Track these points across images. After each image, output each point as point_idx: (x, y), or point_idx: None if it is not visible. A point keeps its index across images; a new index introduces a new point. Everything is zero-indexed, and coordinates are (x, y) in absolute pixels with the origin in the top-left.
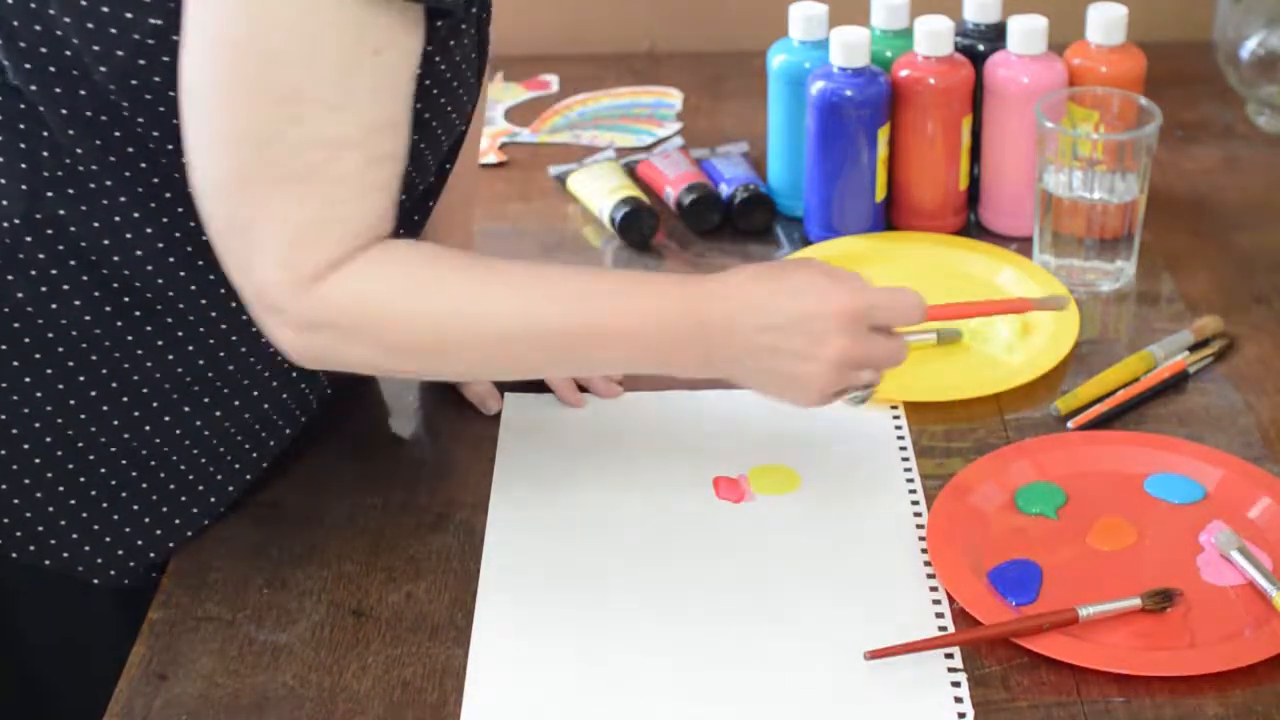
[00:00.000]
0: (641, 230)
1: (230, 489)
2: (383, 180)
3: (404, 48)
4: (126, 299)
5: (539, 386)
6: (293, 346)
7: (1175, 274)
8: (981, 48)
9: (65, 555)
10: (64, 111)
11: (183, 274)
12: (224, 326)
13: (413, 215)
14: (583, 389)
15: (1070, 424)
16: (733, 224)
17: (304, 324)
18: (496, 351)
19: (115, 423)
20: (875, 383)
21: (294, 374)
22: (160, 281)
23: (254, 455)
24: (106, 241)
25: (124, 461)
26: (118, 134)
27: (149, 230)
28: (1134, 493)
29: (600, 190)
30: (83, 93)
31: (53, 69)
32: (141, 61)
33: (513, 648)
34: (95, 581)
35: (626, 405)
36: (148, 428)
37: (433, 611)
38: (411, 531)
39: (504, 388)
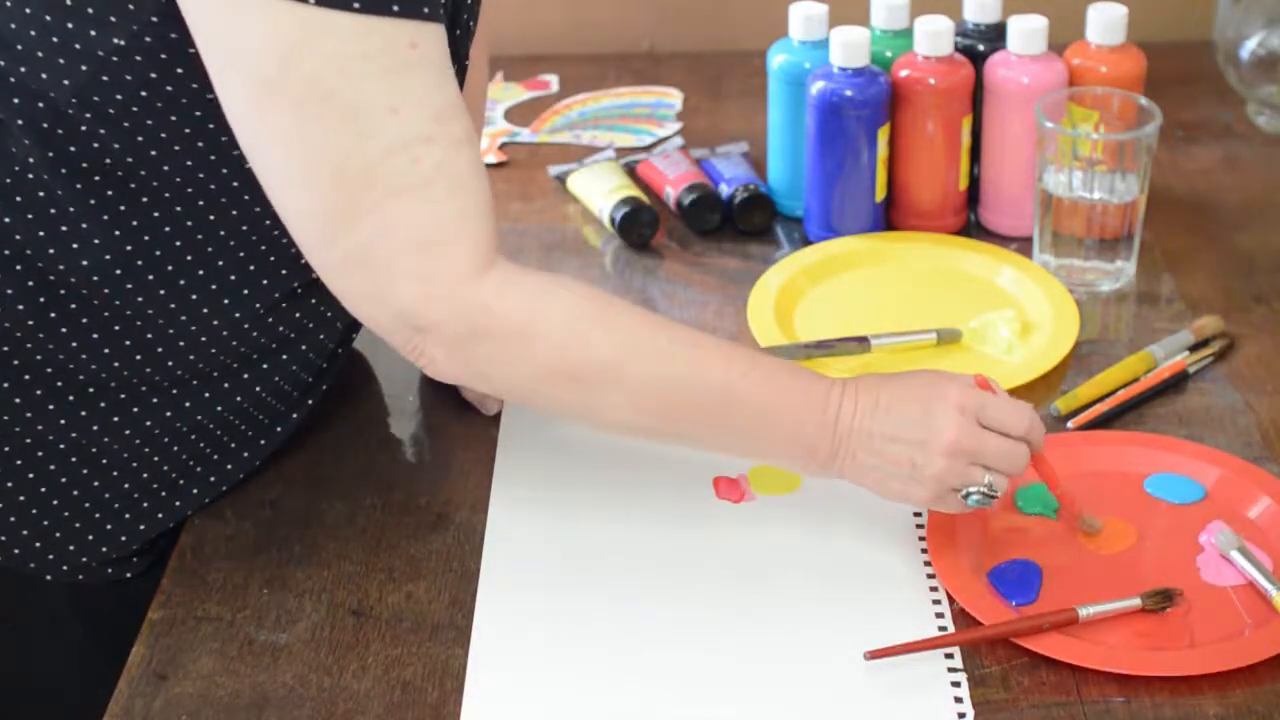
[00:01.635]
0: (641, 230)
1: (195, 491)
2: (471, 165)
3: (434, 34)
4: (73, 305)
5: None
6: (446, 365)
7: (1175, 274)
8: (981, 48)
9: (16, 552)
10: (19, 123)
11: (130, 286)
12: (170, 331)
13: None
14: None
15: (1070, 424)
16: (733, 224)
17: (460, 336)
18: (657, 396)
19: (62, 421)
20: (996, 486)
21: (246, 376)
22: (106, 290)
23: (217, 459)
24: (52, 250)
25: (74, 459)
26: (73, 148)
27: (97, 241)
28: (1134, 493)
29: (600, 190)
30: (40, 105)
31: (11, 80)
32: (105, 78)
33: (513, 648)
34: (48, 578)
35: None
36: (95, 427)
37: (433, 611)
38: (411, 531)
39: None
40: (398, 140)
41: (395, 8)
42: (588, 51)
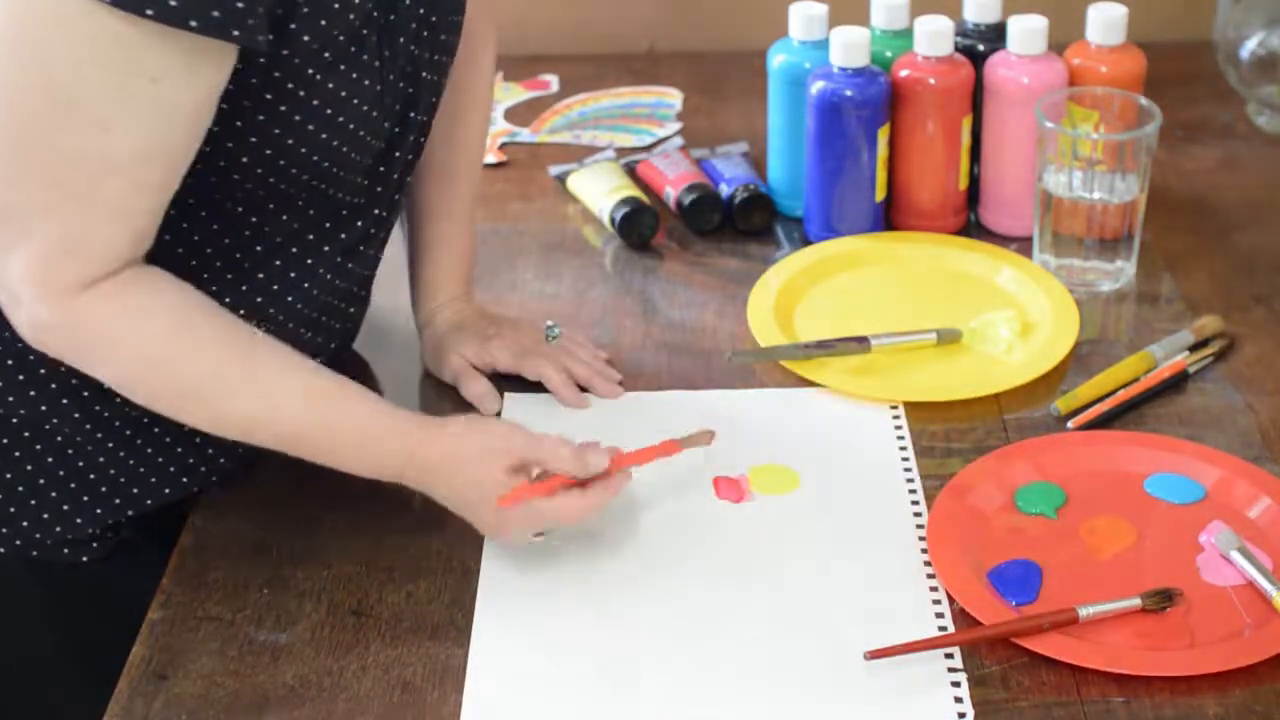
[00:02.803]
0: (641, 230)
1: (155, 480)
2: (144, 208)
3: (186, 79)
4: None
5: (539, 386)
6: (30, 337)
7: (1175, 274)
8: (981, 48)
9: None
10: None
11: None
12: None
13: (385, 207)
14: (583, 389)
15: (1070, 424)
16: (733, 224)
17: (44, 324)
18: (229, 427)
19: (11, 399)
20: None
21: None
22: None
23: (180, 451)
24: None
25: (26, 434)
26: None
27: None
28: (1134, 493)
29: (600, 190)
30: None
31: None
32: None
33: (513, 648)
34: (1, 550)
35: (626, 405)
36: (43, 408)
37: (433, 611)
38: (411, 531)
39: (504, 387)
40: (93, 155)
41: (173, 4)
42: (588, 51)
